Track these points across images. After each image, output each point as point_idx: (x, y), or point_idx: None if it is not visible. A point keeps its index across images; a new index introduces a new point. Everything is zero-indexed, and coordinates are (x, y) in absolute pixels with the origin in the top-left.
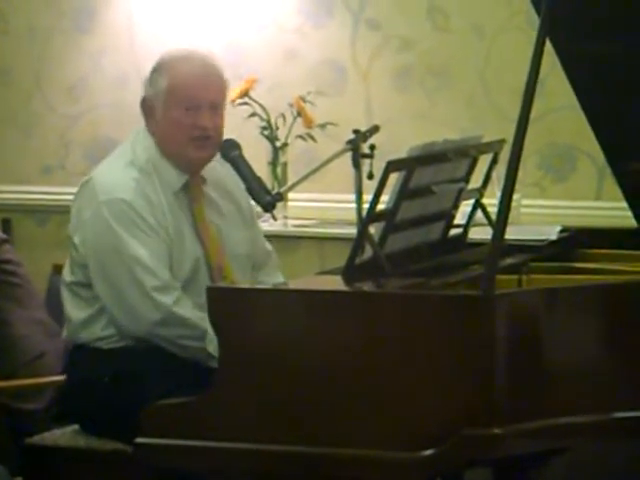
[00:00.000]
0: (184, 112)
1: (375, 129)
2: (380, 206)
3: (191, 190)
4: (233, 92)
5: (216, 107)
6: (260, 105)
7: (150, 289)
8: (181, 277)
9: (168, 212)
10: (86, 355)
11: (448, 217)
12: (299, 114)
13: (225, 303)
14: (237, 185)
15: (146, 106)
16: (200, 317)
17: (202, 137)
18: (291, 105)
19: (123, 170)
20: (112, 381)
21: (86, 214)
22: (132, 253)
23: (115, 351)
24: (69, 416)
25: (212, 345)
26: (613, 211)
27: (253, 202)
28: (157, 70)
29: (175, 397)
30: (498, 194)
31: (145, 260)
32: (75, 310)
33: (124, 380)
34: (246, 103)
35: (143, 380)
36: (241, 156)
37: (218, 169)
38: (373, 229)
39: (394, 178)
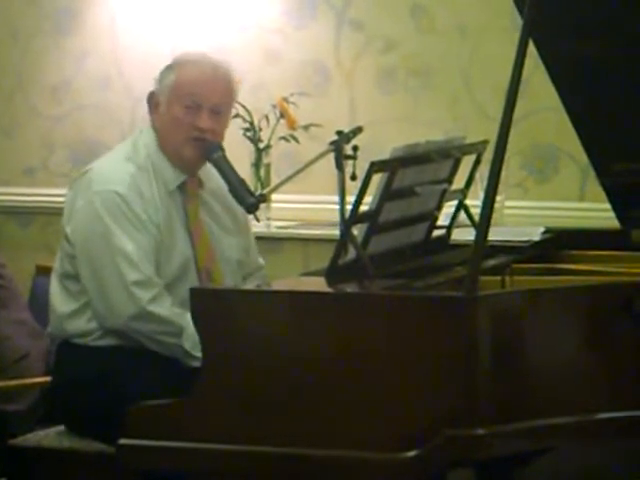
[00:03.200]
0: (184, 110)
1: (358, 130)
2: (363, 207)
3: (187, 190)
4: None
5: (218, 111)
6: (243, 106)
7: (130, 283)
8: (169, 274)
9: (161, 209)
10: (71, 355)
11: (431, 218)
12: (282, 115)
13: (208, 304)
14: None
15: (152, 100)
16: (178, 314)
17: (198, 138)
18: (274, 106)
19: (120, 164)
20: (97, 381)
21: (79, 203)
22: (118, 245)
23: (100, 350)
24: (54, 416)
25: (189, 342)
26: (596, 212)
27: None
28: (169, 67)
29: (159, 398)
30: (481, 195)
31: (130, 253)
32: (61, 303)
33: (109, 381)
34: None
35: (127, 381)
36: (224, 157)
37: (217, 176)
38: (356, 230)
39: (377, 179)
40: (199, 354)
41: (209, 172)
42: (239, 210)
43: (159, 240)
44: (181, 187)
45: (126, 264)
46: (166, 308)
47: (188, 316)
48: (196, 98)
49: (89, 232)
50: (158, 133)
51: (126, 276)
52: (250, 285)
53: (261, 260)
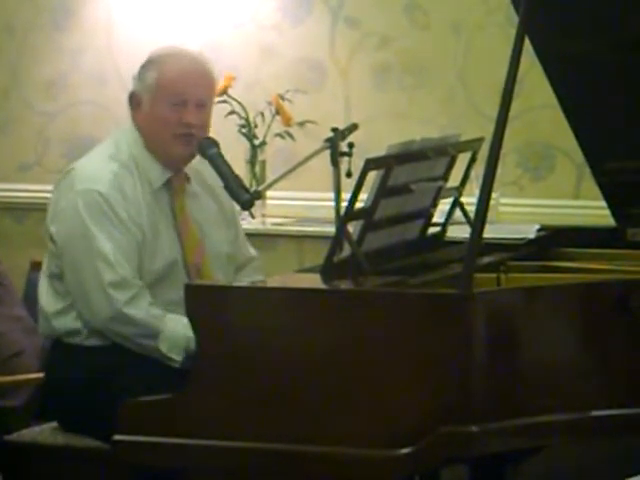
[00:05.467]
0: (170, 108)
1: (354, 127)
2: (358, 204)
3: (173, 187)
4: None
5: (203, 105)
6: (238, 103)
7: (107, 284)
8: (152, 273)
9: (145, 208)
10: (64, 354)
11: (426, 215)
12: (277, 112)
13: (203, 300)
14: (219, 184)
15: (134, 100)
16: (155, 316)
17: (186, 134)
18: (269, 103)
19: (103, 163)
20: (90, 379)
21: (62, 203)
22: (97, 245)
23: (93, 350)
24: (47, 414)
25: (165, 345)
26: (591, 210)
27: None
28: (147, 65)
29: (153, 395)
30: (477, 192)
31: (108, 254)
32: (48, 301)
33: (102, 378)
34: (224, 101)
35: (121, 378)
36: (219, 154)
37: (202, 168)
38: (351, 227)
39: (373, 176)
40: (177, 357)
41: (197, 165)
42: (226, 202)
43: (141, 240)
44: (167, 184)
45: (104, 265)
46: (143, 310)
47: (168, 317)
48: (181, 95)
49: (71, 233)
50: (142, 132)
51: (103, 277)
52: (245, 279)
53: (252, 250)
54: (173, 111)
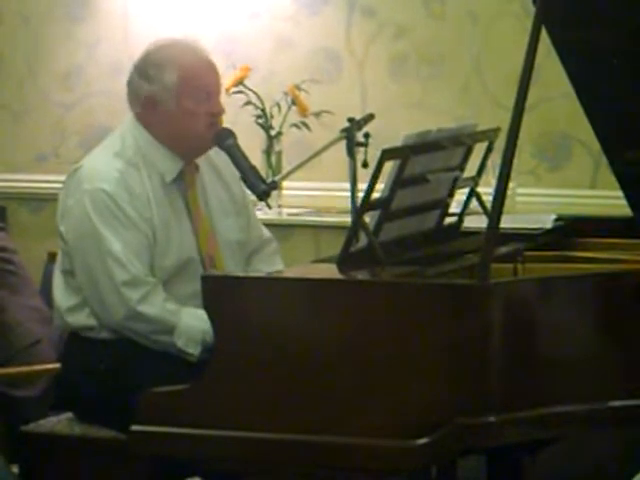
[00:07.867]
0: (198, 101)
1: (370, 117)
2: (375, 195)
3: (186, 178)
4: (228, 80)
5: (220, 91)
6: (255, 93)
7: (119, 283)
8: (166, 268)
9: (155, 204)
10: (82, 344)
11: (443, 206)
12: (294, 102)
13: (220, 291)
14: (230, 172)
15: (149, 102)
16: (170, 311)
17: (214, 123)
18: (286, 93)
19: (109, 160)
20: (107, 370)
21: (70, 202)
22: (106, 245)
23: (109, 342)
24: (65, 404)
25: (181, 340)
26: (608, 200)
27: (248, 191)
28: (157, 66)
29: (169, 385)
30: (493, 182)
31: (118, 253)
32: (62, 297)
33: (119, 369)
34: (241, 92)
35: (138, 369)
36: (236, 145)
37: (212, 155)
38: (368, 218)
39: (389, 167)
40: (193, 351)
41: (205, 154)
42: (236, 188)
43: (151, 236)
44: (179, 177)
45: (114, 264)
46: (157, 306)
47: (184, 311)
48: (207, 87)
49: (80, 232)
50: (164, 130)
51: (115, 277)
52: (261, 265)
53: (267, 232)
54: (199, 104)
